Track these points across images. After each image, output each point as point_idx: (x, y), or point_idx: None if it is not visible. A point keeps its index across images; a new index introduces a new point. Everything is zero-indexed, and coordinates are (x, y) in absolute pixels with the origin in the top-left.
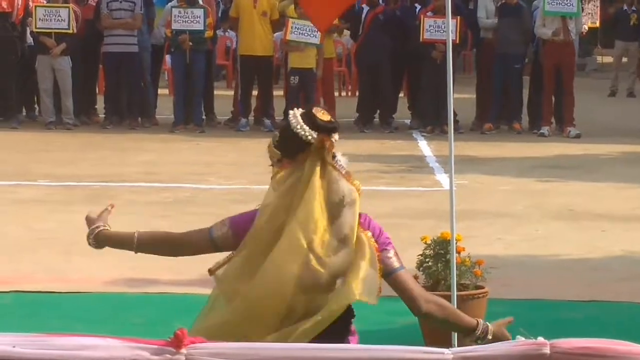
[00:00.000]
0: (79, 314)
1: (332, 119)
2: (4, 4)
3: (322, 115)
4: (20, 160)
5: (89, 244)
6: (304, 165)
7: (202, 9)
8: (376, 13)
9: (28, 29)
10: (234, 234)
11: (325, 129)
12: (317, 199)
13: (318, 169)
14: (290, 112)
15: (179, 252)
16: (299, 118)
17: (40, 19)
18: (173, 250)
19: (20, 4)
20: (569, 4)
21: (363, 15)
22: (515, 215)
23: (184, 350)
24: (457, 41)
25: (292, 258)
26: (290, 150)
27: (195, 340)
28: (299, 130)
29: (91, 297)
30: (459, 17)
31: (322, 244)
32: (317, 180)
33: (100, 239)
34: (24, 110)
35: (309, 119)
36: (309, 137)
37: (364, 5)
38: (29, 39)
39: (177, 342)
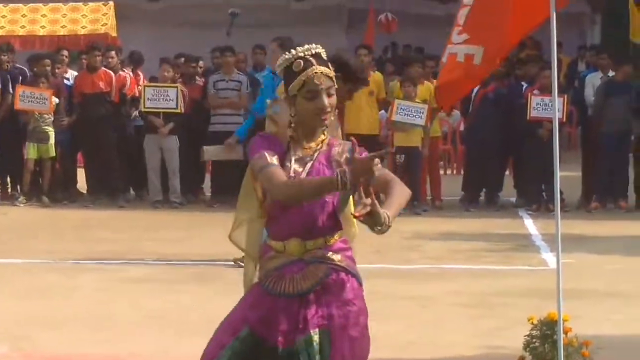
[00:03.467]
0: None
1: None
2: (101, 84)
3: None
4: (128, 238)
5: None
6: None
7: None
8: (486, 92)
9: (135, 110)
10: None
11: None
12: None
13: None
14: None
15: None
16: None
17: (149, 98)
18: None
19: (116, 83)
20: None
21: (473, 94)
22: (623, 294)
23: None
24: (564, 119)
25: None
26: None
27: None
28: None
29: None
30: (565, 95)
31: None
32: None
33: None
34: (131, 189)
35: None
36: None
37: None
38: (138, 119)
39: None
